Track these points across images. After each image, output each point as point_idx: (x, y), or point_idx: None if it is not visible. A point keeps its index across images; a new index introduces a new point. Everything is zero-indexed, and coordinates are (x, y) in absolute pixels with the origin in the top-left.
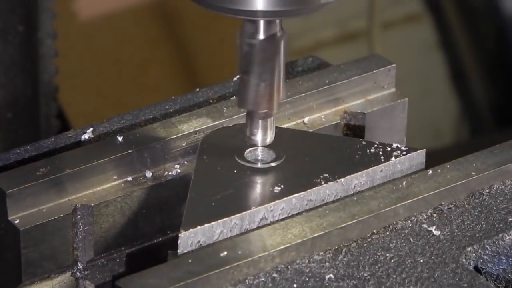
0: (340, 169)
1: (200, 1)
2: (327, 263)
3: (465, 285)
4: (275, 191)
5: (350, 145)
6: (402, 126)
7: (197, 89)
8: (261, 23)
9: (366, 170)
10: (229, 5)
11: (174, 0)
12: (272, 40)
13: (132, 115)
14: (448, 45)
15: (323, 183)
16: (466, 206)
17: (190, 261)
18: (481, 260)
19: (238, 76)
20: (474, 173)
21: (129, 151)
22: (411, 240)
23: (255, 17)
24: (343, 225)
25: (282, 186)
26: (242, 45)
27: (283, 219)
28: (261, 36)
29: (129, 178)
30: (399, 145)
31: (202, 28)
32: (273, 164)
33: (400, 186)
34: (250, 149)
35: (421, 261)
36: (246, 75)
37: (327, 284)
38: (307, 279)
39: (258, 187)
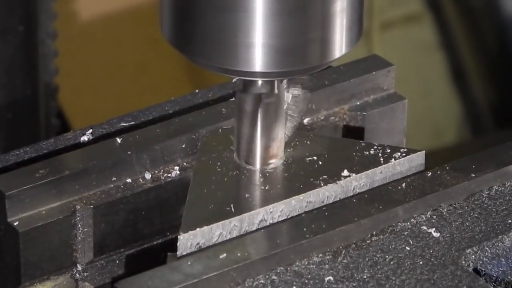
0: (339, 171)
1: (198, 61)
2: (326, 265)
3: (464, 287)
4: (274, 192)
5: (349, 147)
6: (401, 127)
7: (197, 90)
8: (260, 82)
9: (365, 171)
10: (228, 66)
11: None
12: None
13: (131, 116)
14: (448, 45)
15: (322, 184)
16: (466, 207)
17: (189, 263)
18: (481, 262)
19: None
20: (473, 175)
21: (128, 152)
22: (410, 242)
23: (254, 78)
24: (342, 227)
25: (281, 187)
26: (241, 103)
27: (282, 221)
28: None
29: (128, 180)
30: (398, 147)
31: None
32: (272, 166)
33: (400, 187)
34: None
35: (420, 263)
36: (245, 131)
37: (326, 286)
38: (306, 281)
39: (258, 188)
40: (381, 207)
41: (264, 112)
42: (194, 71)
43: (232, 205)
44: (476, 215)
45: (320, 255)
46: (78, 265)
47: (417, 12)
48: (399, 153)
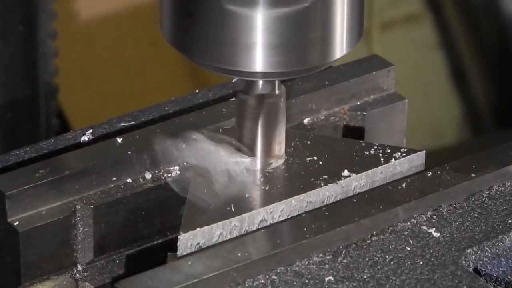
0: (339, 171)
1: (198, 61)
2: (326, 265)
3: (465, 287)
4: (274, 192)
5: (349, 147)
6: (402, 127)
7: (197, 90)
8: (260, 82)
9: (365, 171)
10: (228, 66)
11: None
12: (271, 98)
13: (132, 116)
14: (448, 45)
15: (322, 184)
16: (466, 207)
17: (189, 263)
18: (481, 262)
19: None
20: (473, 175)
21: (129, 152)
22: (411, 242)
23: (254, 78)
24: (342, 227)
25: (281, 187)
26: (241, 103)
27: (282, 221)
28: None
29: (129, 180)
30: (398, 147)
31: None
32: (273, 166)
33: (400, 187)
34: None
35: (421, 263)
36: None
37: (326, 286)
38: (307, 281)
39: (258, 188)
40: (381, 207)
41: (264, 112)
42: (194, 71)
43: (232, 205)
44: (476, 215)
45: (320, 255)
46: (78, 265)
47: (417, 12)
48: (399, 153)
